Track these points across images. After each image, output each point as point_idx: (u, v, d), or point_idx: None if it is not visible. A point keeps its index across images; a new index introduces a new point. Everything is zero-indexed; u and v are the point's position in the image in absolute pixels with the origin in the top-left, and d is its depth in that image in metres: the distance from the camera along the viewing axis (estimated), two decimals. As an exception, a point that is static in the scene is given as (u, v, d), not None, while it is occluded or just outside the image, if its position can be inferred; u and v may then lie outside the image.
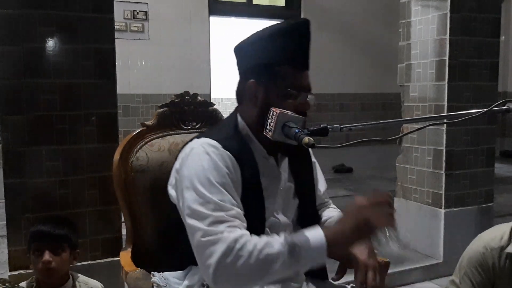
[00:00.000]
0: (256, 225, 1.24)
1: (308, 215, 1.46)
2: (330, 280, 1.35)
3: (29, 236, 1.81)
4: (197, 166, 1.23)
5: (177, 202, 1.28)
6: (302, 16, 6.65)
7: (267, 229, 1.32)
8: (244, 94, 1.36)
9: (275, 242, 1.11)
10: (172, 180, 1.35)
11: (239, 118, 1.38)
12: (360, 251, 1.30)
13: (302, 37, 1.33)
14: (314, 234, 1.12)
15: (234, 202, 1.21)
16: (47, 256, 1.71)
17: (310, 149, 1.40)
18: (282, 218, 1.39)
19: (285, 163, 1.42)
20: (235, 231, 1.13)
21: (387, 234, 1.15)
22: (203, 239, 1.13)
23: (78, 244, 1.87)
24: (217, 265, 1.09)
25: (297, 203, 1.44)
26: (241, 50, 1.39)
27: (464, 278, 1.58)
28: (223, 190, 1.20)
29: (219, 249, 1.10)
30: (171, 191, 1.34)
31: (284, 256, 1.10)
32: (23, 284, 1.81)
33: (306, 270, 1.13)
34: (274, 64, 1.30)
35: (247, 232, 1.15)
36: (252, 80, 1.32)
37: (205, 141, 1.29)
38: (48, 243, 1.74)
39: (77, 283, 1.83)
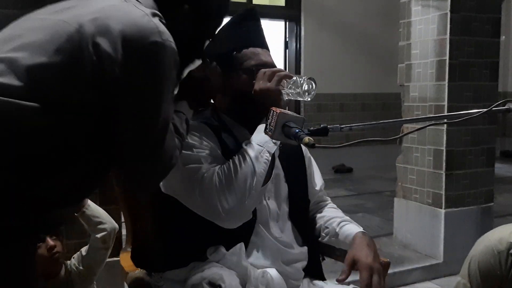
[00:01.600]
0: None
1: (299, 204, 1.47)
2: (334, 281, 1.35)
3: None
4: None
5: (173, 186, 1.32)
6: (302, 16, 6.65)
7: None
8: None
9: (237, 155, 1.28)
10: None
11: (218, 111, 1.44)
12: (365, 254, 1.31)
13: (254, 22, 1.42)
14: (255, 135, 1.31)
15: (220, 156, 1.31)
16: (51, 242, 1.73)
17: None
18: (272, 204, 1.40)
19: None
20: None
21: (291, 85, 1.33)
22: (198, 188, 1.22)
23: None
24: (217, 194, 1.22)
25: (287, 190, 1.45)
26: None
27: (473, 281, 1.58)
28: (205, 147, 1.30)
29: (214, 183, 1.23)
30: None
31: (249, 154, 1.26)
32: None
33: (269, 157, 1.29)
34: (233, 50, 1.39)
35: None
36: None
37: None
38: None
39: (69, 267, 1.84)
